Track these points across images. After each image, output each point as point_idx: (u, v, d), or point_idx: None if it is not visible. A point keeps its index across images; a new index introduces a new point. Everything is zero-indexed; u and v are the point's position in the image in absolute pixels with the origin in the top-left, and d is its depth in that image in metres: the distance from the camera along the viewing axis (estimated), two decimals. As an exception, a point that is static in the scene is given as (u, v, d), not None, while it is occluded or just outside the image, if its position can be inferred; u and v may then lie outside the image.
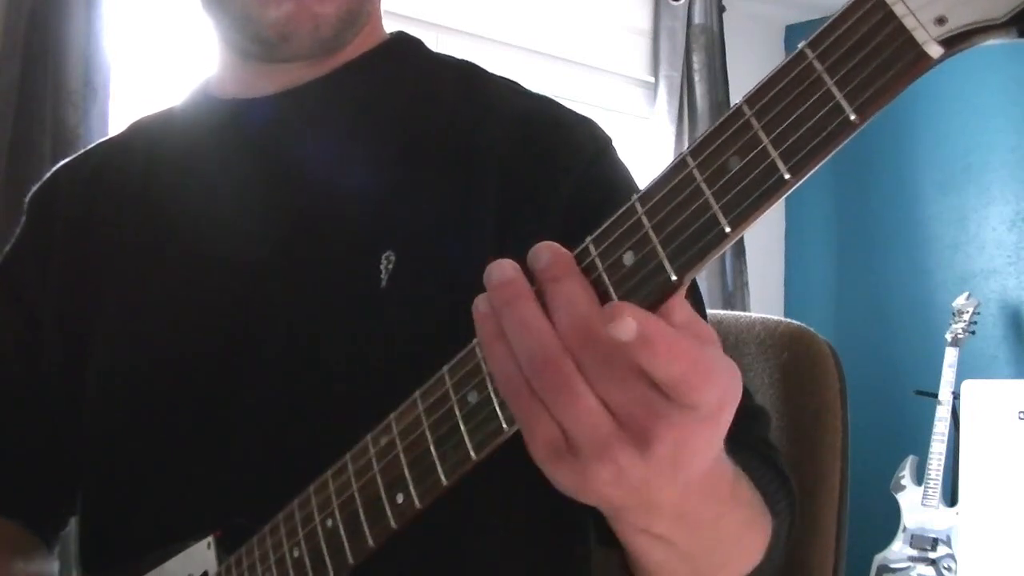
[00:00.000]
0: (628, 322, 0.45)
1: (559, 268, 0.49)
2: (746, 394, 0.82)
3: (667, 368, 0.46)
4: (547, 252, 0.49)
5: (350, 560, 0.63)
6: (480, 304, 0.51)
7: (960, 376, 3.16)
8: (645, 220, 0.47)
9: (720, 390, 0.47)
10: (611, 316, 0.45)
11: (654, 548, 0.60)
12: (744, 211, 0.44)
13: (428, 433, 0.57)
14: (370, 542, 0.62)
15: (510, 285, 0.49)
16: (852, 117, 0.41)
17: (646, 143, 3.44)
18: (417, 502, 0.58)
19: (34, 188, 1.01)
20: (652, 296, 0.47)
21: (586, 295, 0.48)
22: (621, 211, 0.48)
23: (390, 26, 0.95)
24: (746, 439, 0.75)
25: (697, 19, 3.52)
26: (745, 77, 3.62)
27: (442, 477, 0.56)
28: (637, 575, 0.66)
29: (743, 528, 0.66)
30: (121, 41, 2.37)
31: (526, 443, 0.50)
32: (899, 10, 0.40)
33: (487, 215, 0.80)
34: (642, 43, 3.54)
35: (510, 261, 0.50)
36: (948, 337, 3.24)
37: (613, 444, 0.48)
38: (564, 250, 0.49)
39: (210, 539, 0.76)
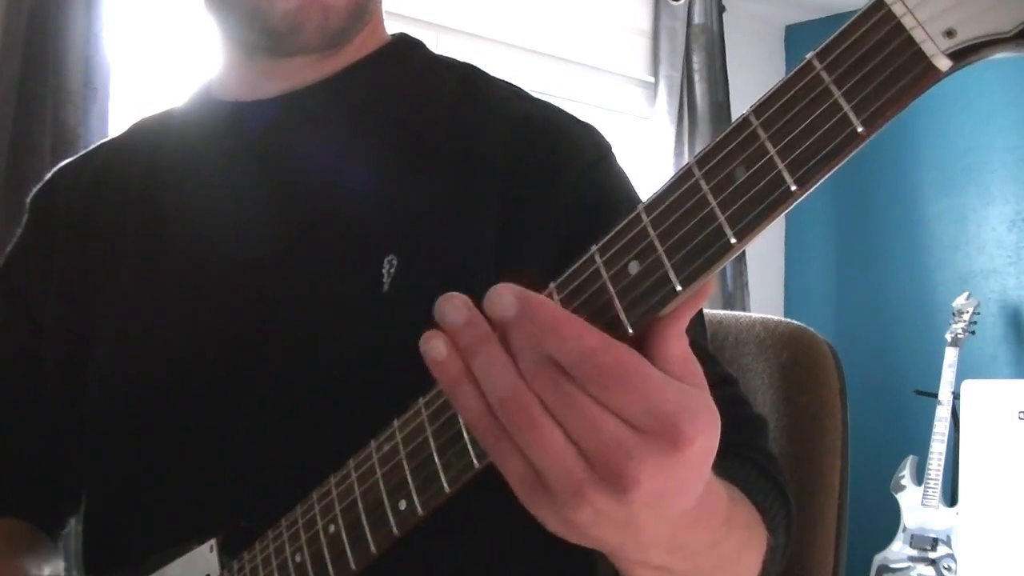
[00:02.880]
0: (505, 298, 0.46)
1: (520, 309, 0.48)
2: (746, 402, 0.82)
3: (644, 408, 0.45)
4: (509, 295, 0.48)
5: (352, 566, 0.63)
6: (431, 351, 0.50)
7: (960, 376, 3.16)
8: (650, 229, 0.47)
9: (704, 436, 0.46)
10: (493, 297, 0.46)
11: None
12: (750, 222, 0.44)
13: (431, 440, 0.57)
14: (372, 548, 0.61)
15: (471, 328, 0.49)
16: (859, 129, 0.41)
17: (646, 143, 3.45)
18: (419, 509, 0.58)
19: (35, 189, 1.01)
20: (657, 306, 0.47)
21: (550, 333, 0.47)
22: (627, 219, 0.48)
23: (390, 26, 0.95)
24: (747, 451, 0.75)
25: (697, 19, 3.52)
26: (745, 77, 3.63)
27: (445, 485, 0.56)
28: None
29: (741, 549, 0.65)
30: (121, 41, 2.37)
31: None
32: (908, 22, 0.39)
33: (488, 219, 0.80)
34: (642, 43, 3.54)
35: (463, 299, 0.50)
36: (948, 337, 3.24)
37: (586, 487, 0.47)
38: (523, 291, 0.48)
39: (212, 542, 0.76)
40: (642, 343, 0.48)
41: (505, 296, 0.48)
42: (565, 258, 0.51)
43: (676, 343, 0.48)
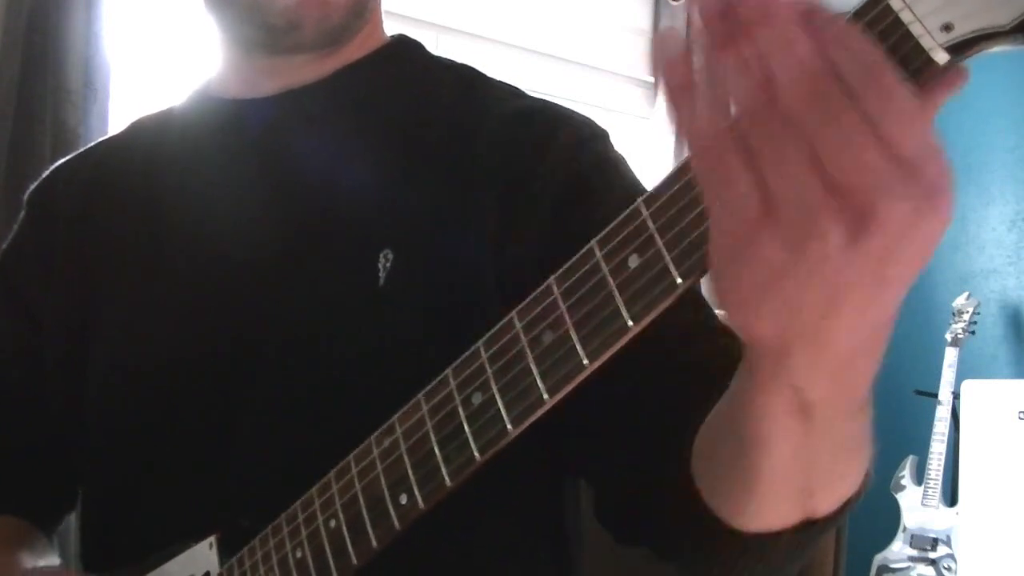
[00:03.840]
0: None
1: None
2: None
3: (920, 145, 0.39)
4: None
5: (354, 561, 0.63)
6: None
7: (960, 376, 3.16)
8: (650, 223, 0.47)
9: (949, 211, 0.41)
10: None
11: (789, 433, 0.50)
12: None
13: (432, 434, 0.57)
14: (374, 543, 0.62)
15: (723, 21, 0.42)
16: None
17: (646, 143, 3.44)
18: (421, 503, 0.58)
19: (33, 186, 1.01)
20: (658, 299, 0.47)
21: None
22: (626, 213, 0.48)
23: (390, 26, 0.95)
24: None
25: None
26: (745, 77, 3.62)
27: (446, 478, 0.57)
28: (737, 493, 0.57)
29: (862, 442, 0.56)
30: (121, 41, 2.37)
31: (711, 221, 0.43)
32: (906, 16, 0.40)
33: (485, 214, 0.80)
34: (642, 43, 3.54)
35: None
36: (948, 337, 3.24)
37: (824, 214, 0.39)
38: None
39: (212, 539, 0.76)
40: None
41: None
42: (563, 239, 0.50)
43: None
